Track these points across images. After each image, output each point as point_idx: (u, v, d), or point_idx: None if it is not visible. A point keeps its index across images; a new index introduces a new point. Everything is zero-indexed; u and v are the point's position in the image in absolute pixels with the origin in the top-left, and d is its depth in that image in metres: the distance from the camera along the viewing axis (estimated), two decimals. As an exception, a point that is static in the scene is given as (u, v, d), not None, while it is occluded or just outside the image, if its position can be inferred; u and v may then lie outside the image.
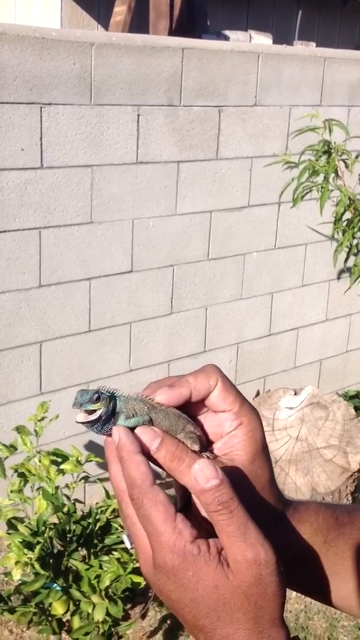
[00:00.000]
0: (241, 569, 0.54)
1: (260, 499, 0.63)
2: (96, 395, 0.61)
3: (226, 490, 0.55)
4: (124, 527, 0.64)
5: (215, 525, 0.56)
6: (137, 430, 0.60)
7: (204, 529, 0.59)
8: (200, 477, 0.55)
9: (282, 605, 0.56)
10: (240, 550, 0.54)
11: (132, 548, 0.63)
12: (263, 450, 0.63)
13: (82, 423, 0.61)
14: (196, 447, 0.61)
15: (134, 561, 1.98)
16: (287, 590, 0.60)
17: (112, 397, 0.62)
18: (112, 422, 0.61)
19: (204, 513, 0.59)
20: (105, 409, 0.61)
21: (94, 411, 0.61)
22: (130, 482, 0.58)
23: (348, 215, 2.98)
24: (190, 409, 0.64)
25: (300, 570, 0.66)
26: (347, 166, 2.94)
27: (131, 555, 2.01)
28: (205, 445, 0.63)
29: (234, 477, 0.59)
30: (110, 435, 0.62)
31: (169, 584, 0.56)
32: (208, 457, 0.61)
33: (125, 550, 2.06)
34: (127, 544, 0.63)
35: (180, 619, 0.58)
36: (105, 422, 0.61)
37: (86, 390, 0.61)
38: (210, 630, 0.56)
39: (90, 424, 0.61)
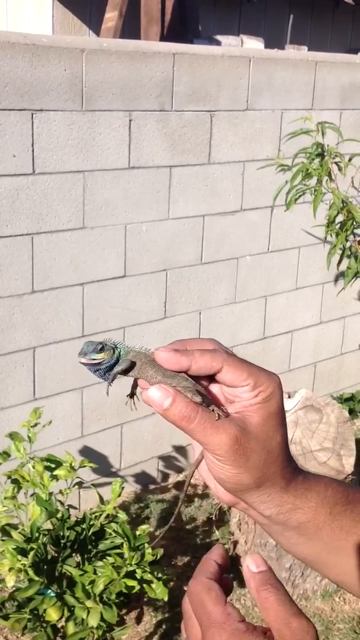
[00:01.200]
0: (286, 635, 0.58)
1: (269, 459, 0.65)
2: (100, 346, 0.68)
3: (271, 574, 0.60)
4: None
5: (261, 602, 0.60)
6: (151, 389, 0.64)
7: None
8: (252, 565, 0.60)
9: None
10: (286, 620, 0.58)
11: None
12: (277, 414, 0.65)
13: (84, 364, 0.68)
14: (197, 399, 0.64)
15: (128, 565, 1.98)
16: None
17: (116, 348, 0.68)
18: (113, 371, 0.68)
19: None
20: (108, 359, 0.68)
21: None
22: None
23: (341, 218, 2.99)
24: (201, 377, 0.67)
25: (303, 537, 0.68)
26: (340, 169, 2.95)
27: (125, 559, 2.01)
28: (207, 398, 0.66)
29: (244, 432, 0.63)
30: (111, 382, 0.69)
31: None
32: (219, 415, 0.64)
33: (119, 555, 2.06)
34: None
35: None
36: (107, 370, 0.68)
37: (92, 341, 0.69)
38: None
39: (92, 367, 0.68)
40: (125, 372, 0.68)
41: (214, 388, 0.68)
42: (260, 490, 0.65)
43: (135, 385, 0.70)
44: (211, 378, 0.67)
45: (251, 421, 0.64)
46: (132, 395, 0.71)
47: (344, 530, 0.68)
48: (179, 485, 3.43)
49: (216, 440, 0.63)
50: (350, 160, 2.91)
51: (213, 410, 0.64)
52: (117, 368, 0.68)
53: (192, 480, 0.69)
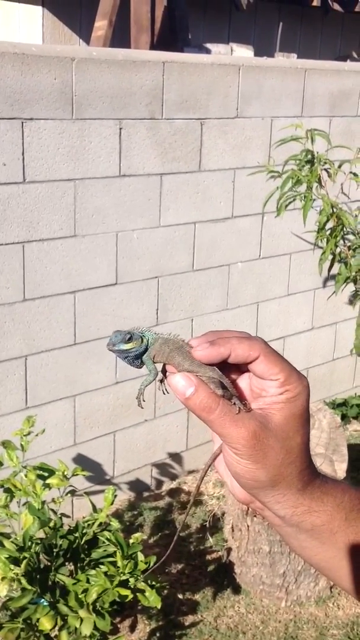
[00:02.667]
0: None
1: (287, 459, 0.65)
2: (128, 336, 0.69)
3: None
4: None
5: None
6: (176, 376, 0.65)
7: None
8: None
9: None
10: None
11: None
12: (301, 416, 0.65)
13: (111, 350, 0.70)
14: (219, 392, 0.65)
15: (121, 574, 1.98)
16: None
17: (144, 337, 0.69)
18: (141, 359, 0.70)
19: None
20: (137, 347, 0.69)
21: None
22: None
23: (331, 224, 3.01)
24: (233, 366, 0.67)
25: (316, 541, 0.68)
26: (329, 175, 2.96)
27: (118, 568, 2.00)
28: (232, 390, 0.66)
29: (264, 428, 0.64)
30: (139, 367, 0.71)
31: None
32: (240, 409, 0.64)
33: (112, 563, 2.05)
34: None
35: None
36: (135, 358, 0.70)
37: (120, 331, 0.70)
38: None
39: (121, 354, 0.69)
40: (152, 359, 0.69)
41: (242, 383, 0.68)
42: (275, 490, 0.65)
43: (165, 370, 0.70)
44: (240, 371, 0.68)
45: (273, 419, 0.64)
46: (162, 380, 0.71)
47: (359, 537, 0.67)
48: (173, 493, 3.43)
49: (234, 433, 0.63)
50: (339, 166, 2.93)
51: (234, 404, 0.64)
52: (145, 359, 0.70)
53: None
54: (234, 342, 0.65)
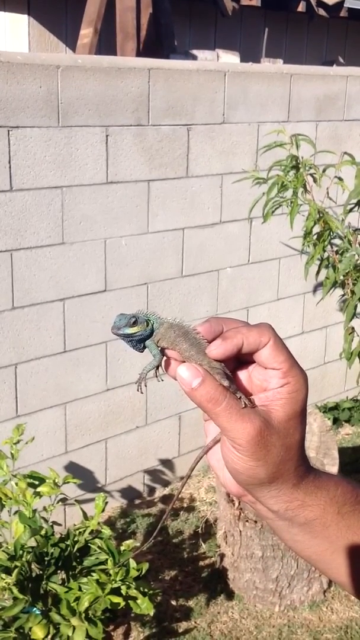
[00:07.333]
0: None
1: (286, 456, 0.64)
2: (133, 320, 0.67)
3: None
4: None
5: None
6: (181, 367, 0.63)
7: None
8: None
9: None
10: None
11: None
12: (301, 413, 0.65)
13: (115, 334, 0.68)
14: (225, 383, 0.63)
15: (113, 582, 1.97)
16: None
17: (149, 321, 0.68)
18: (144, 344, 0.68)
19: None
20: (142, 331, 0.67)
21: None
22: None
23: (318, 228, 3.01)
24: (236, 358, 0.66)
25: (308, 535, 0.68)
26: (315, 180, 2.97)
27: (110, 575, 2.00)
28: (233, 382, 0.64)
29: (268, 425, 0.63)
30: (141, 351, 0.69)
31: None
32: (246, 405, 0.63)
33: (104, 571, 2.04)
34: None
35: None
36: (139, 342, 0.68)
37: (125, 314, 0.68)
38: None
39: (125, 337, 0.68)
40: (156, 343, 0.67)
41: (241, 376, 0.67)
42: (271, 486, 0.65)
43: (164, 355, 0.68)
44: (236, 363, 0.66)
45: (276, 416, 0.63)
46: (159, 366, 0.69)
47: (351, 531, 0.67)
48: (165, 499, 3.42)
49: (240, 428, 0.62)
50: (324, 171, 2.94)
51: (240, 398, 0.63)
52: (150, 344, 0.68)
53: (180, 493, 0.68)
54: (244, 330, 0.63)
